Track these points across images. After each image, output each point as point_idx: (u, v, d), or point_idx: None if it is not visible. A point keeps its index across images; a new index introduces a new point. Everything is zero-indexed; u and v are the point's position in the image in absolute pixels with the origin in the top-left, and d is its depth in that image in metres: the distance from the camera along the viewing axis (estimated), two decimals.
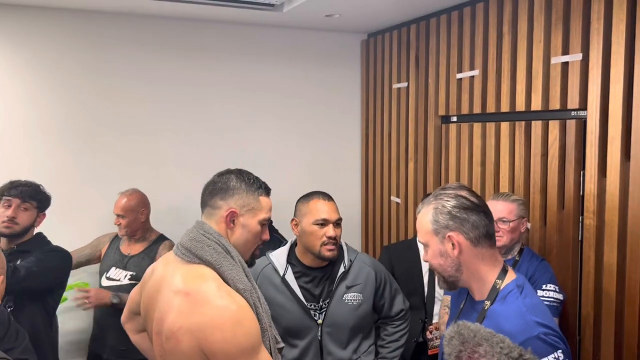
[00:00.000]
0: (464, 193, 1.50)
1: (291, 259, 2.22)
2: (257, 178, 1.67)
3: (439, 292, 2.76)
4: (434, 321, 2.76)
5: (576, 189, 2.34)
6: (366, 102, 3.98)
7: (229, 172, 1.66)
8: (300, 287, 2.16)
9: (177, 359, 1.47)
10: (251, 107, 3.69)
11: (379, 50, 3.81)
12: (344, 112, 4.00)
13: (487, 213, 1.50)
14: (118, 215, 2.93)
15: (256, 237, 1.65)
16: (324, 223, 2.12)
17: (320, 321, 2.15)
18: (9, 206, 2.47)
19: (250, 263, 1.67)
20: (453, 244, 1.45)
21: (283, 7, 3.19)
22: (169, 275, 1.57)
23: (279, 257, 2.22)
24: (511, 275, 1.48)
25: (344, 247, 2.26)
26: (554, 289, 2.20)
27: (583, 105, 2.30)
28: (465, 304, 1.56)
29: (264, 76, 3.71)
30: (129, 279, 2.88)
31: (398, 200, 3.63)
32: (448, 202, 1.48)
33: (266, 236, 1.67)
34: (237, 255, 1.59)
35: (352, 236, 4.04)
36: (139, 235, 2.98)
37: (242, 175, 1.65)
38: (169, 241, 3.00)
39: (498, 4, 2.72)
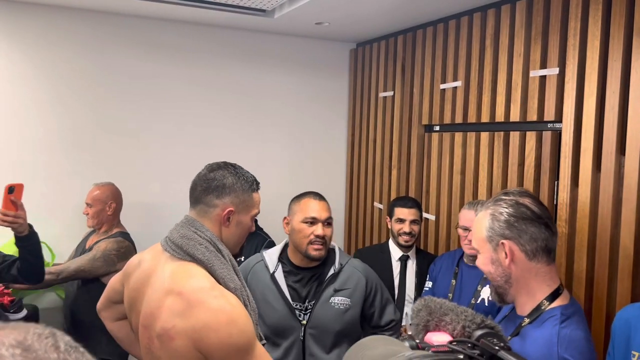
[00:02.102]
0: (526, 201, 1.41)
1: (283, 257, 2.23)
2: (248, 173, 1.68)
3: (409, 295, 2.82)
4: (403, 323, 2.82)
5: (550, 198, 2.43)
6: (353, 110, 4.06)
7: (221, 167, 1.64)
8: (289, 286, 2.16)
9: (170, 355, 1.45)
10: (238, 110, 3.75)
11: (366, 59, 3.90)
12: (331, 118, 4.08)
13: (549, 225, 1.40)
14: (87, 204, 2.99)
15: (248, 231, 1.68)
16: (312, 221, 2.12)
17: (304, 322, 2.13)
18: None
19: (239, 253, 1.71)
20: (506, 253, 1.37)
21: (274, 13, 3.27)
22: (159, 270, 1.55)
23: (271, 254, 2.23)
24: (562, 300, 1.38)
25: (337, 251, 2.25)
26: None
27: (559, 118, 2.39)
28: (508, 315, 1.50)
29: (253, 81, 3.78)
30: None
31: (381, 206, 3.70)
32: (506, 210, 1.39)
33: (253, 227, 1.71)
34: (228, 254, 1.59)
35: (335, 239, 4.09)
36: (104, 228, 3.01)
37: (237, 171, 1.64)
38: (119, 239, 2.94)
39: (482, 18, 2.82)
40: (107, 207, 2.99)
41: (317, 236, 2.11)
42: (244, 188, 1.62)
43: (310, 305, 2.14)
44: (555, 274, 1.43)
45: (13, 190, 2.22)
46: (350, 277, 2.19)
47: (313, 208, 2.14)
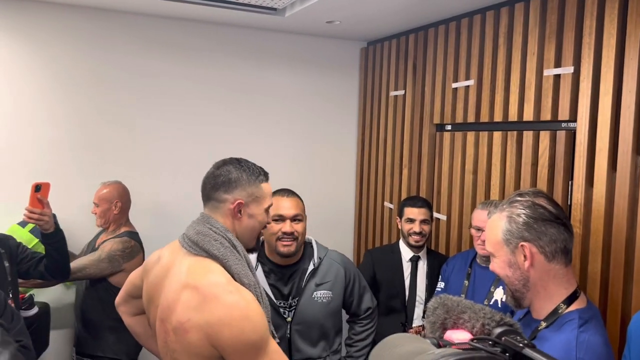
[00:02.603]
0: (542, 201, 1.39)
1: (261, 257, 2.24)
2: (254, 165, 1.69)
3: (419, 296, 2.80)
4: (414, 325, 2.80)
5: (564, 198, 2.40)
6: (363, 109, 4.05)
7: (226, 163, 1.67)
8: (270, 285, 2.18)
9: (185, 348, 1.48)
10: (248, 109, 3.74)
11: (377, 58, 3.88)
12: (341, 117, 4.07)
13: (567, 226, 1.37)
14: (94, 204, 3.01)
15: (262, 224, 1.69)
16: (279, 219, 2.14)
17: (289, 319, 2.16)
18: None
19: (257, 248, 1.73)
20: (525, 256, 1.34)
21: (285, 11, 3.26)
22: (177, 265, 1.58)
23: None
24: (580, 304, 1.35)
25: (314, 245, 2.28)
26: None
27: (573, 117, 2.36)
28: (523, 319, 1.47)
29: (263, 80, 3.77)
30: None
31: (391, 206, 3.68)
32: (523, 211, 1.36)
33: (270, 219, 1.74)
34: (243, 250, 1.62)
35: (345, 239, 4.09)
36: (112, 227, 3.02)
37: (241, 164, 1.66)
38: (124, 239, 2.94)
39: (495, 16, 2.79)
40: (114, 206, 3.00)
41: (284, 233, 2.12)
42: (250, 180, 1.64)
43: (295, 302, 2.17)
44: (572, 276, 1.40)
45: (40, 188, 2.31)
46: (329, 269, 2.24)
47: (281, 205, 2.16)
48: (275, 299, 2.16)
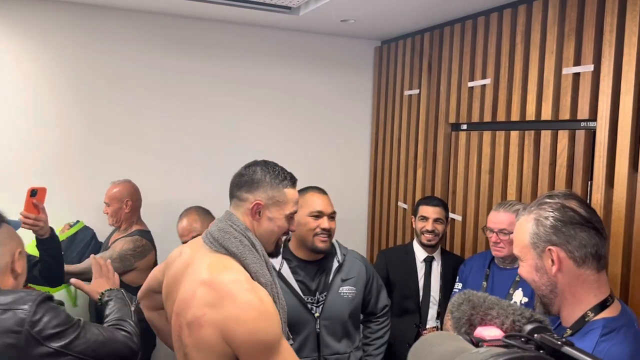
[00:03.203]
0: (573, 204, 1.32)
1: (286, 254, 2.25)
2: (282, 169, 1.68)
3: (433, 296, 2.77)
4: (428, 326, 2.77)
5: (583, 198, 2.35)
6: (377, 108, 4.02)
7: (255, 164, 1.69)
8: (297, 280, 2.20)
9: (197, 343, 1.49)
10: (262, 108, 3.74)
11: (391, 57, 3.85)
12: (354, 116, 4.04)
13: (599, 230, 1.31)
14: (105, 203, 3.02)
15: (282, 230, 1.67)
16: (318, 215, 2.17)
17: (317, 314, 2.18)
18: None
19: (277, 253, 1.72)
20: (553, 260, 1.29)
21: (299, 10, 3.24)
22: (197, 261, 1.60)
23: None
24: (611, 312, 1.28)
25: (336, 244, 2.33)
26: None
27: (593, 116, 2.32)
28: (555, 329, 1.37)
29: (276, 78, 3.76)
30: None
31: (405, 206, 3.65)
32: (552, 214, 1.30)
33: (293, 227, 1.71)
34: (262, 250, 1.62)
35: (358, 240, 4.07)
36: (123, 226, 3.03)
37: (267, 167, 1.66)
38: (135, 238, 2.94)
39: (512, 14, 2.75)
40: (124, 205, 3.00)
41: (323, 229, 2.16)
42: (273, 183, 1.64)
43: (322, 297, 2.20)
44: (605, 283, 1.33)
45: (36, 193, 2.24)
46: (352, 266, 2.30)
47: (318, 202, 2.20)
48: (303, 295, 2.18)
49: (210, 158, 3.54)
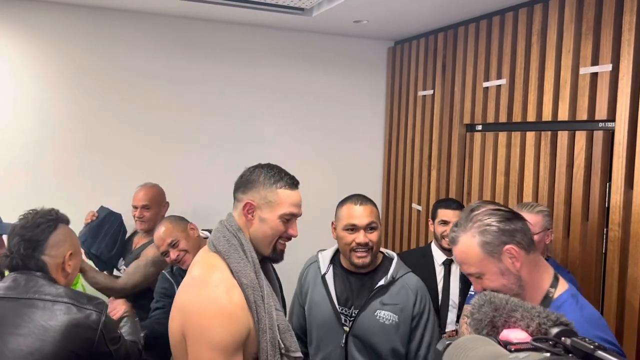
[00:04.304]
0: (494, 207, 1.45)
1: (336, 260, 2.17)
2: (280, 171, 1.64)
3: (453, 300, 2.74)
4: (447, 329, 2.73)
5: (601, 200, 2.32)
6: (390, 109, 4.00)
7: (256, 166, 1.67)
8: (337, 289, 2.10)
9: (171, 336, 1.54)
10: (275, 109, 3.73)
11: (405, 57, 3.82)
12: (368, 118, 4.02)
13: (523, 218, 1.46)
14: (142, 207, 2.87)
15: (276, 232, 1.60)
16: (353, 228, 2.03)
17: (347, 328, 2.04)
18: None
19: (277, 258, 1.65)
20: (511, 257, 1.38)
21: (312, 11, 3.23)
22: (196, 260, 1.65)
23: (325, 256, 2.19)
24: (563, 284, 1.40)
25: (394, 262, 2.11)
26: None
27: (611, 116, 2.28)
28: None
29: (290, 79, 3.75)
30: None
31: (419, 207, 3.62)
32: (491, 220, 1.41)
33: (292, 232, 1.63)
34: (251, 251, 1.57)
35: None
36: (150, 231, 2.84)
37: (264, 168, 1.64)
38: None
39: (528, 14, 2.72)
40: (162, 208, 2.93)
41: (358, 244, 2.02)
42: (266, 183, 1.61)
43: (355, 313, 2.04)
44: (544, 260, 1.47)
45: None
46: (399, 292, 2.05)
47: (353, 214, 2.04)
48: (339, 305, 2.07)
49: (223, 161, 3.53)
